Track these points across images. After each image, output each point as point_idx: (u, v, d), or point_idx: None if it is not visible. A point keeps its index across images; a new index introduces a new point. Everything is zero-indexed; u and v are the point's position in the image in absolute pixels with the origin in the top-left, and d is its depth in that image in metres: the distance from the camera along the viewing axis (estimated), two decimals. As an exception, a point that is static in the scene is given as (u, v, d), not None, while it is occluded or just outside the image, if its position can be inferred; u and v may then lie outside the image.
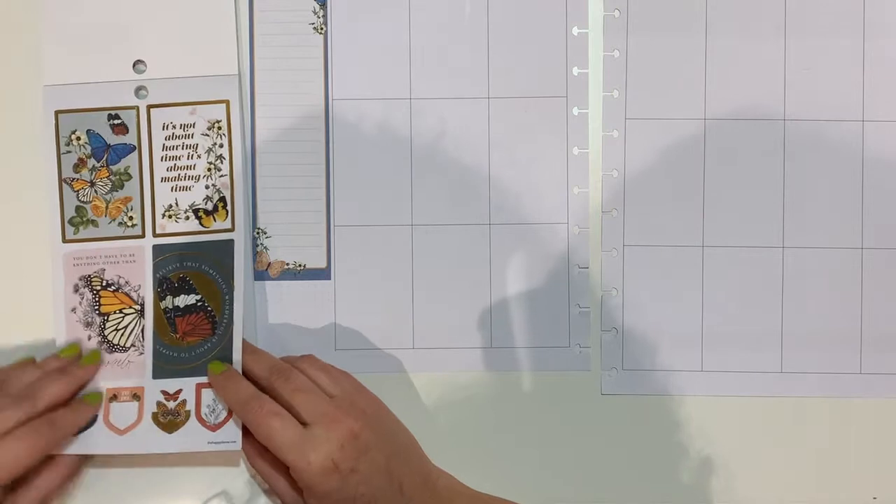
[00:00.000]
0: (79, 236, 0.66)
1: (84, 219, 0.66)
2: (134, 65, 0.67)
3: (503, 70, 0.68)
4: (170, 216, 0.66)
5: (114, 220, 0.66)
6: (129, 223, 0.66)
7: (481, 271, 0.68)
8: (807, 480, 0.67)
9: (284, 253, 0.68)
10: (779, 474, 0.67)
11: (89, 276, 0.65)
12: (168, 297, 0.65)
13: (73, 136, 0.66)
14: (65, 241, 0.66)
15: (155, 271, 0.65)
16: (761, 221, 0.67)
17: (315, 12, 0.68)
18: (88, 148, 0.66)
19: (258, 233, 0.68)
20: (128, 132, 0.66)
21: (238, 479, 0.67)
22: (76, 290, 0.65)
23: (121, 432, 0.64)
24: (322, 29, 0.68)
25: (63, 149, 0.66)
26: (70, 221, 0.66)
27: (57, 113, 0.66)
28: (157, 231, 0.66)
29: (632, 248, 0.68)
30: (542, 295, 0.68)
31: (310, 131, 0.68)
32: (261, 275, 0.68)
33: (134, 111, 0.66)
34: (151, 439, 0.64)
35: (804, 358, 0.67)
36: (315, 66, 0.68)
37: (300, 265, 0.68)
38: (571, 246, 0.68)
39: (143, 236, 0.66)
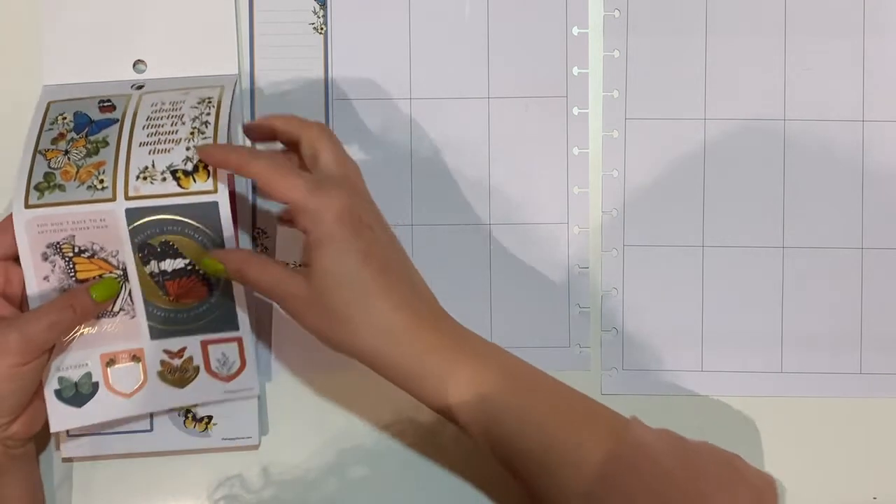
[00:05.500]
0: (43, 201, 0.61)
1: (51, 184, 0.62)
2: (134, 64, 0.67)
3: (503, 70, 0.68)
4: (144, 178, 0.61)
5: (83, 183, 0.62)
6: (100, 186, 0.61)
7: (481, 271, 0.68)
8: (807, 480, 0.67)
9: (284, 253, 0.68)
10: (778, 474, 0.67)
11: (58, 243, 0.62)
12: (152, 261, 0.62)
13: (60, 117, 0.64)
14: (27, 206, 0.61)
15: (133, 236, 0.61)
16: (761, 221, 0.67)
17: (315, 12, 0.68)
18: (71, 125, 0.64)
19: (258, 233, 0.68)
20: (115, 110, 0.64)
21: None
22: (45, 258, 0.62)
23: (127, 395, 0.63)
24: (322, 29, 0.68)
25: (46, 126, 0.64)
26: (36, 187, 0.62)
27: (49, 103, 0.65)
28: (130, 193, 0.61)
29: (632, 248, 0.68)
30: (542, 295, 0.68)
31: (310, 131, 0.68)
32: (261, 275, 0.67)
33: (125, 97, 0.65)
34: (162, 397, 0.63)
35: (804, 358, 0.67)
36: (315, 66, 0.68)
37: (300, 265, 0.68)
38: (571, 246, 0.68)
39: (113, 199, 0.61)
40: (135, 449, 0.66)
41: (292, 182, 0.56)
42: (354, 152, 0.68)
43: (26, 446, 0.62)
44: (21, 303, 0.62)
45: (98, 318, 0.62)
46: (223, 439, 0.65)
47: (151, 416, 0.66)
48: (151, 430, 0.66)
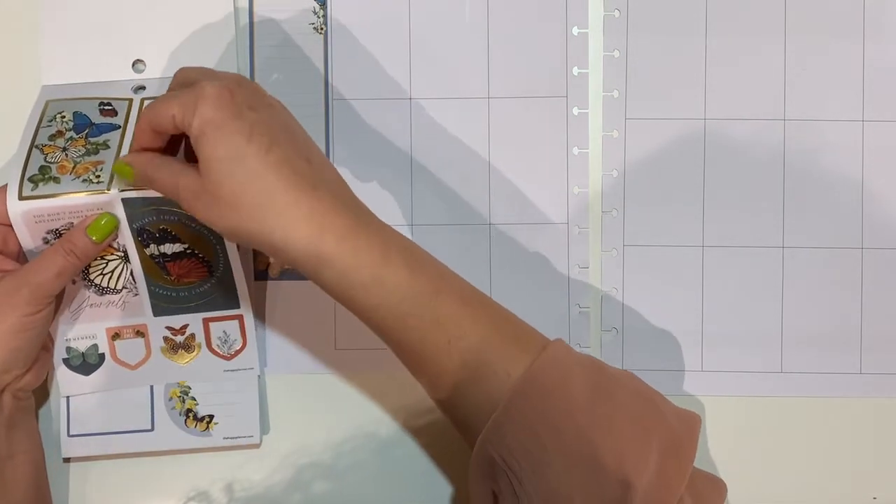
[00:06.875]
0: (37, 192, 0.60)
1: (46, 176, 0.61)
2: (133, 64, 0.67)
3: (503, 70, 0.68)
4: None
5: (78, 177, 0.61)
6: (95, 180, 0.61)
7: (481, 271, 0.68)
8: (807, 480, 0.67)
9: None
10: (778, 474, 0.67)
11: (57, 229, 0.61)
12: (152, 245, 0.62)
13: (59, 115, 0.64)
14: (21, 198, 0.60)
15: (130, 222, 0.61)
16: (761, 221, 0.67)
17: (315, 12, 0.68)
18: (71, 124, 0.63)
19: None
20: (116, 115, 0.64)
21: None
22: (46, 241, 0.62)
23: (132, 367, 0.65)
24: (322, 29, 0.68)
25: (44, 123, 0.64)
26: (31, 178, 0.61)
27: (48, 101, 0.65)
28: (124, 187, 0.61)
29: (632, 248, 0.68)
30: (542, 295, 0.68)
31: (310, 131, 0.67)
32: (261, 274, 0.68)
33: (127, 102, 0.65)
34: (165, 371, 0.65)
35: (804, 358, 0.67)
36: (315, 66, 0.68)
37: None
38: (571, 246, 0.68)
39: (108, 191, 0.60)
40: (136, 448, 0.66)
41: (165, 105, 0.55)
42: (354, 152, 0.68)
43: (31, 398, 0.64)
44: (18, 257, 0.63)
45: (102, 294, 0.64)
46: (224, 438, 0.66)
47: (152, 415, 0.66)
48: (152, 429, 0.66)
